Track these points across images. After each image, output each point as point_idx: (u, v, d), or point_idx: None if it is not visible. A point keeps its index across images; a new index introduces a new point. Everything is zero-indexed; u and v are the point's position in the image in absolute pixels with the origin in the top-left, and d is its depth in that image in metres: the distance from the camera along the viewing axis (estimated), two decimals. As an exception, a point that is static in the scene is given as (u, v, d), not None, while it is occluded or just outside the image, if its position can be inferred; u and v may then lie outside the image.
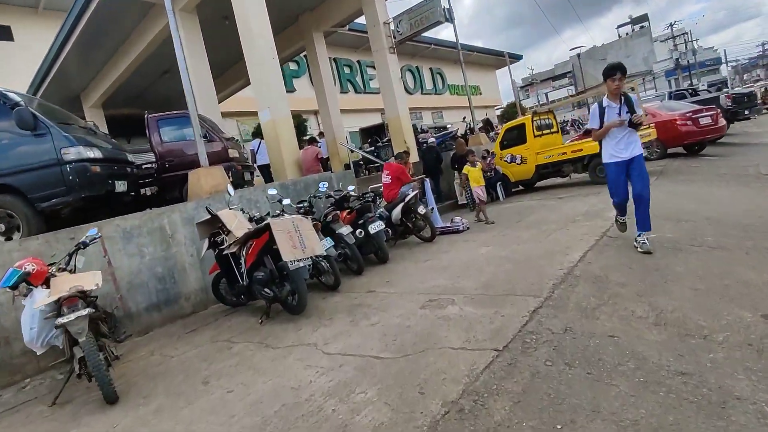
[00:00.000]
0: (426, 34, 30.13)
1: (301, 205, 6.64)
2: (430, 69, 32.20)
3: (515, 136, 11.24)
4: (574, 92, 51.15)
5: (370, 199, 7.89)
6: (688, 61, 41.05)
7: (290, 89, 23.34)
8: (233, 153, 8.19)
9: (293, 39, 14.26)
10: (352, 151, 13.34)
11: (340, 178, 8.28)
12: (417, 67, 30.96)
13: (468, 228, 7.79)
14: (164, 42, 11.41)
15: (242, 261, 4.77)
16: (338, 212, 5.99)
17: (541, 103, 42.62)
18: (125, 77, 13.67)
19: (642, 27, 60.33)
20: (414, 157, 11.92)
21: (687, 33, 42.33)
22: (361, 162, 13.66)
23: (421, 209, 7.11)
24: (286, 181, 7.63)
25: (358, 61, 26.99)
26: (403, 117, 12.00)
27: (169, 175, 7.75)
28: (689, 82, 39.43)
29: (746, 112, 14.15)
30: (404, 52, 29.30)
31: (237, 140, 9.24)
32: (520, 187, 11.52)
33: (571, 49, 41.23)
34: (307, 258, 4.44)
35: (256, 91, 9.16)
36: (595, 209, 7.12)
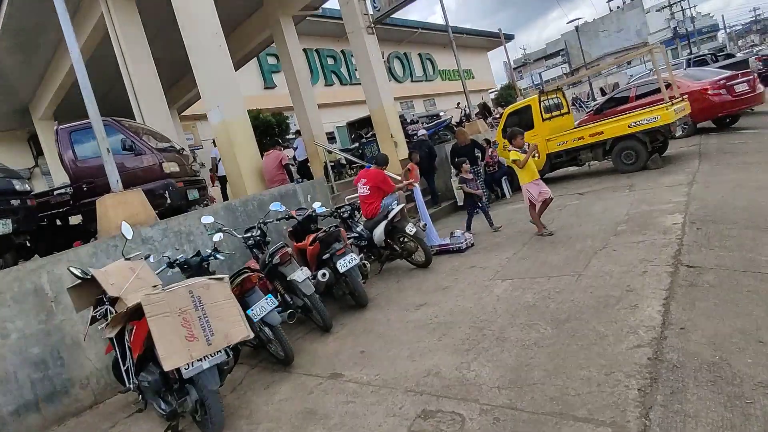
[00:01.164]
0: (413, 17, 28.03)
1: (250, 234, 4.84)
2: (419, 55, 30.06)
3: (520, 121, 9.35)
4: (568, 70, 48.93)
5: (346, 214, 6.08)
6: (687, 30, 38.74)
7: (270, 85, 21.41)
8: (171, 167, 6.35)
9: (260, 27, 12.32)
10: (330, 152, 11.48)
11: (307, 190, 6.45)
12: (405, 54, 28.84)
13: (472, 244, 5.97)
14: (106, 38, 9.50)
15: (128, 350, 2.97)
16: (288, 249, 4.15)
17: (536, 83, 40.47)
18: (70, 82, 11.76)
19: (633, -1, 57.67)
20: (403, 152, 10.06)
21: (684, 0, 39.92)
22: (344, 162, 11.79)
23: (410, 228, 5.28)
24: (233, 201, 5.78)
25: (342, 51, 24.91)
26: (388, 107, 10.11)
27: (88, 202, 5.94)
28: (689, 50, 37.14)
29: (779, 76, 12.23)
30: (391, 39, 27.21)
31: (183, 149, 7.41)
32: None
33: (568, 22, 38.79)
34: (219, 352, 2.63)
35: (203, 88, 7.28)
36: (638, 212, 5.29)
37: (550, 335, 2.96)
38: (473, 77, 33.54)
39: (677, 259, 3.65)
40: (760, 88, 9.95)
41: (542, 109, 8.91)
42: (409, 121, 12.24)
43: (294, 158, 12.14)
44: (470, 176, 6.92)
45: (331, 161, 11.57)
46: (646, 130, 7.62)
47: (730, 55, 15.97)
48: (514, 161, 5.71)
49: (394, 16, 26.34)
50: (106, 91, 13.80)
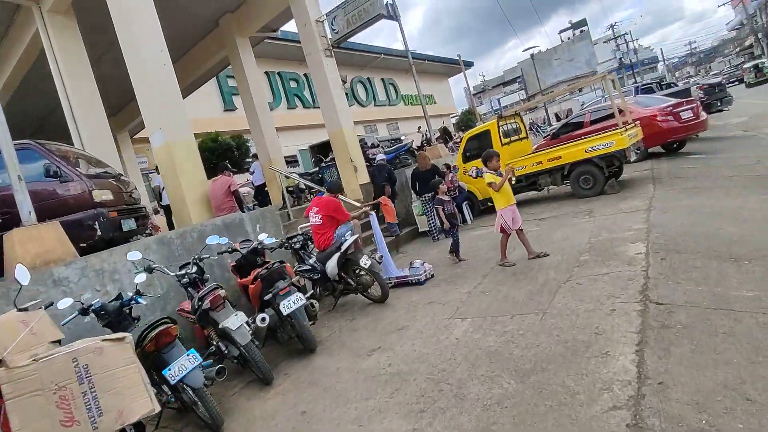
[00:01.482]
0: (377, 43, 28.26)
1: (184, 272, 4.27)
2: (383, 80, 30.26)
3: (479, 146, 9.21)
4: (524, 96, 50.64)
5: (298, 244, 5.61)
6: (630, 60, 40.97)
7: (230, 107, 20.81)
8: (103, 194, 5.70)
9: (216, 47, 11.83)
10: (287, 177, 10.98)
11: (256, 219, 5.93)
12: (368, 79, 28.95)
13: (432, 275, 5.59)
14: (43, 56, 8.76)
15: None
16: (221, 292, 3.61)
17: (494, 108, 41.52)
18: (5, 101, 10.82)
19: (582, 31, 60.82)
20: (363, 177, 9.70)
21: (627, 33, 42.29)
22: (303, 187, 11.29)
23: (365, 260, 4.84)
24: (168, 233, 5.19)
25: (305, 75, 24.64)
26: (347, 131, 9.76)
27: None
28: (633, 79, 39.20)
29: (719, 104, 12.76)
30: (354, 63, 27.26)
31: (121, 175, 6.74)
32: (489, 204, 9.45)
33: (524, 50, 40.21)
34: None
35: (144, 108, 6.72)
36: (599, 240, 5.08)
37: (515, 391, 2.57)
38: (435, 102, 34.03)
39: (645, 294, 3.37)
40: (703, 115, 10.27)
41: (501, 134, 8.80)
42: (369, 144, 11.95)
43: (252, 183, 11.56)
44: (447, 198, 6.46)
45: (289, 186, 11.08)
46: (602, 155, 7.58)
47: (670, 85, 16.74)
48: (489, 184, 5.29)
49: (356, 41, 26.37)
50: (46, 114, 12.89)
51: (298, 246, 5.71)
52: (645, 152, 10.25)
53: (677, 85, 14.77)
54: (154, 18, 6.59)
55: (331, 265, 5.01)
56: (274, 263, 4.24)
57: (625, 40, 43.33)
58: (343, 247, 4.86)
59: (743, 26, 48.30)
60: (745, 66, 36.01)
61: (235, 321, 3.41)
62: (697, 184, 7.06)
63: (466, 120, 29.50)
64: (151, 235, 7.12)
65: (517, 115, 9.62)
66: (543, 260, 4.94)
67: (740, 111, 16.12)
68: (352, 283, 5.07)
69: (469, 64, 36.19)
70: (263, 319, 3.67)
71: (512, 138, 9.15)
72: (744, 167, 7.71)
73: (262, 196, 11.47)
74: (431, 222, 7.95)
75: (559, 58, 52.02)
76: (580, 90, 52.37)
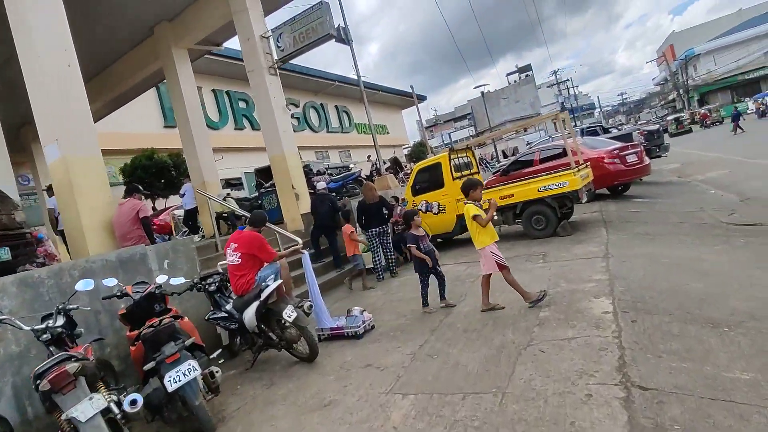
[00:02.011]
0: (333, 71, 27.87)
1: (45, 325, 3.19)
2: (336, 107, 29.81)
3: (430, 179, 8.66)
4: (474, 132, 52.11)
5: (213, 286, 4.64)
6: (572, 105, 43.39)
7: (171, 124, 19.27)
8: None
9: (149, 57, 10.70)
10: (224, 198, 9.89)
11: (164, 254, 4.88)
12: (322, 105, 28.38)
13: (372, 327, 4.77)
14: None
15: None
16: (69, 367, 2.59)
17: (446, 143, 42.20)
18: None
19: (527, 75, 64.23)
20: (305, 206, 8.83)
21: (569, 80, 44.97)
22: (239, 214, 10.21)
23: (289, 312, 3.94)
24: (36, 272, 4.03)
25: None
26: (289, 155, 8.92)
27: None
28: (573, 123, 41.34)
29: (657, 150, 13.17)
30: (308, 89, 26.67)
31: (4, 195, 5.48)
32: (438, 240, 8.81)
33: (475, 87, 41.55)
34: None
35: (38, 116, 5.56)
36: (559, 292, 4.49)
37: None
38: (387, 132, 33.96)
39: (624, 373, 2.72)
40: (646, 160, 10.38)
41: (452, 168, 8.29)
42: (315, 171, 11.14)
43: (183, 206, 10.33)
44: (421, 233, 5.11)
45: (223, 212, 9.97)
46: (555, 195, 7.21)
47: (609, 130, 17.36)
48: (475, 217, 4.43)
49: (311, 66, 25.57)
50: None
51: (213, 288, 4.73)
52: (593, 194, 10.13)
53: (619, 130, 15.30)
54: (57, 7, 5.54)
55: (249, 316, 4.06)
56: (161, 320, 3.25)
57: (567, 86, 46.03)
58: (263, 295, 3.95)
59: (667, 82, 52.88)
60: (669, 118, 39.10)
61: (86, 409, 2.39)
62: (648, 230, 6.79)
63: (418, 152, 29.49)
64: (44, 265, 5.85)
65: (469, 150, 9.20)
66: (498, 314, 4.26)
67: (671, 158, 16.91)
68: (274, 337, 4.14)
69: (422, 98, 36.67)
70: (133, 403, 2.65)
71: (463, 172, 8.67)
72: (689, 214, 7.61)
73: (192, 221, 10.27)
74: (376, 259, 7.17)
75: (507, 98, 54.34)
76: (525, 130, 54.74)
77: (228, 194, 9.95)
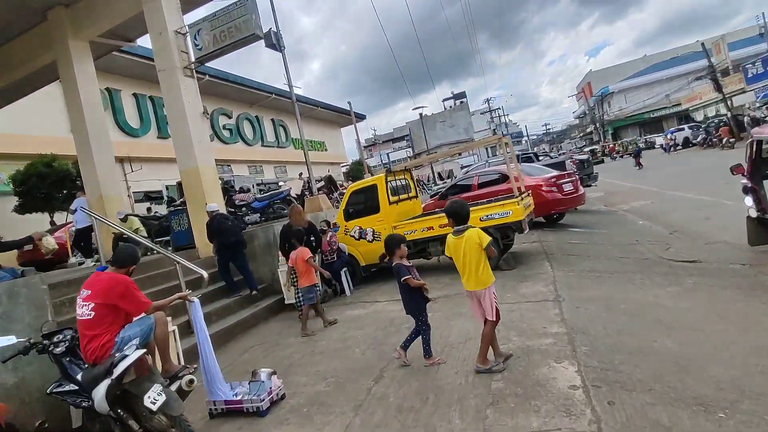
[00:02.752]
0: (266, 81, 26.40)
1: None
2: (273, 120, 28.28)
3: (364, 202, 7.73)
4: (411, 153, 52.48)
5: (61, 347, 3.30)
6: (503, 132, 45.07)
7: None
8: None
9: (40, 47, 8.91)
10: (124, 218, 8.27)
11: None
12: (257, 117, 26.74)
13: (282, 396, 3.65)
14: None
15: None
16: None
17: (384, 162, 41.88)
18: None
19: (461, 102, 66.36)
20: None
21: (500, 108, 46.84)
22: (144, 235, 8.64)
23: (154, 396, 2.73)
24: None
25: (183, 104, 21.63)
26: (205, 169, 7.60)
27: None
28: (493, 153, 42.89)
29: (587, 179, 13.31)
30: (243, 100, 25.04)
31: None
32: (373, 270, 7.84)
33: (414, 108, 41.57)
34: None
35: None
36: (512, 348, 3.67)
37: None
38: (326, 149, 32.93)
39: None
40: (581, 189, 10.23)
41: (389, 191, 7.43)
42: (237, 189, 9.81)
43: (74, 224, 8.55)
44: (409, 263, 4.06)
45: (123, 234, 8.33)
46: (498, 225, 6.56)
47: (539, 157, 17.63)
48: (488, 248, 3.45)
49: (247, 76, 24.01)
50: None
51: (61, 349, 3.36)
52: (530, 221, 9.75)
53: (552, 157, 15.47)
54: None
55: (99, 397, 2.80)
56: None
57: (498, 114, 47.91)
58: (116, 372, 2.72)
59: (585, 116, 56.90)
60: (586, 149, 41.80)
61: None
62: (594, 266, 6.30)
63: (356, 171, 28.70)
64: None
65: (407, 172, 8.41)
66: (441, 382, 3.34)
67: (594, 187, 17.42)
68: (136, 427, 2.89)
69: (361, 117, 36.11)
70: None
71: (401, 196, 7.84)
72: (628, 248, 7.29)
73: (86, 242, 8.52)
74: (299, 296, 6.03)
75: (444, 121, 55.50)
76: (460, 154, 56.19)
77: (127, 215, 8.34)
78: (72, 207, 8.41)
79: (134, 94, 19.49)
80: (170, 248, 8.25)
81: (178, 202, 8.93)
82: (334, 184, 12.20)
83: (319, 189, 11.01)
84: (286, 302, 6.72)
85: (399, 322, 4.99)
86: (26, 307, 3.64)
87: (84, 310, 3.02)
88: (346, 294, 7.00)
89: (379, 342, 4.50)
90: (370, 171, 24.85)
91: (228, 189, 9.09)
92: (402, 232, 7.02)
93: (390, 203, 7.34)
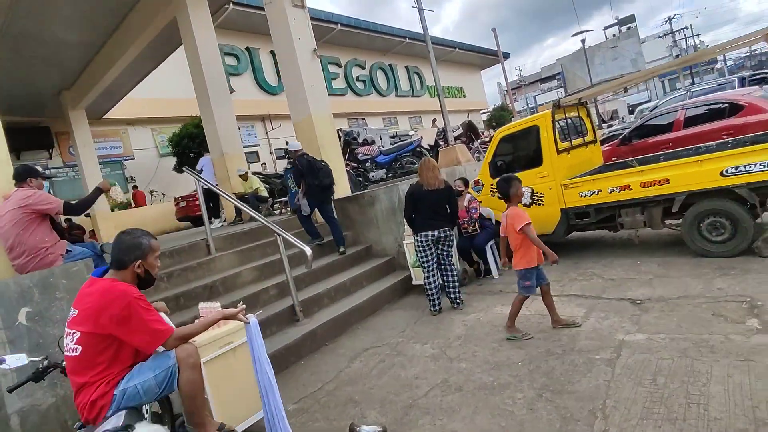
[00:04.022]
0: (399, 25, 24.57)
1: None
2: (406, 68, 26.56)
3: (520, 151, 5.67)
4: (564, 95, 45.86)
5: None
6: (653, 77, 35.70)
7: (226, 90, 17.55)
8: None
9: (162, 4, 8.54)
10: (246, 178, 7.65)
11: (19, 295, 2.61)
12: (390, 65, 25.33)
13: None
14: None
15: None
16: None
17: (530, 107, 37.16)
18: None
19: (629, 28, 55.06)
20: (341, 188, 6.36)
21: (688, 27, 36.95)
22: (266, 195, 8.00)
23: None
24: None
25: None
26: (319, 119, 6.37)
27: None
28: (690, 81, 34.08)
29: None
30: (375, 48, 23.80)
31: None
32: None
33: (573, 35, 34.94)
34: None
35: None
36: None
37: None
38: (464, 95, 30.18)
39: None
40: None
41: (557, 134, 5.20)
42: (361, 141, 8.50)
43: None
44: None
45: (245, 192, 7.80)
46: (754, 183, 3.92)
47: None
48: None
49: (379, 22, 22.51)
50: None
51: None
52: None
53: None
54: None
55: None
56: None
57: (685, 35, 38.02)
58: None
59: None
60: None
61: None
62: None
63: (499, 117, 25.58)
64: None
65: (582, 106, 5.96)
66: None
67: None
68: None
69: (506, 55, 32.01)
70: None
71: (573, 141, 5.53)
72: None
73: (213, 203, 8.27)
74: (430, 280, 4.44)
75: (616, 46, 46.85)
76: (626, 90, 47.23)
77: (247, 171, 7.72)
78: (197, 167, 8.15)
79: (271, 52, 19.66)
80: (289, 210, 7.44)
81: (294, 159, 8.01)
82: (474, 131, 10.10)
83: (456, 138, 9.09)
84: (414, 282, 5.25)
85: (579, 336, 3.06)
86: (66, 304, 2.76)
87: (69, 341, 1.87)
88: (493, 276, 5.21)
89: (558, 382, 2.68)
90: (516, 117, 21.79)
91: (350, 142, 7.86)
92: (577, 194, 4.83)
93: (558, 152, 5.13)
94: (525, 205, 5.34)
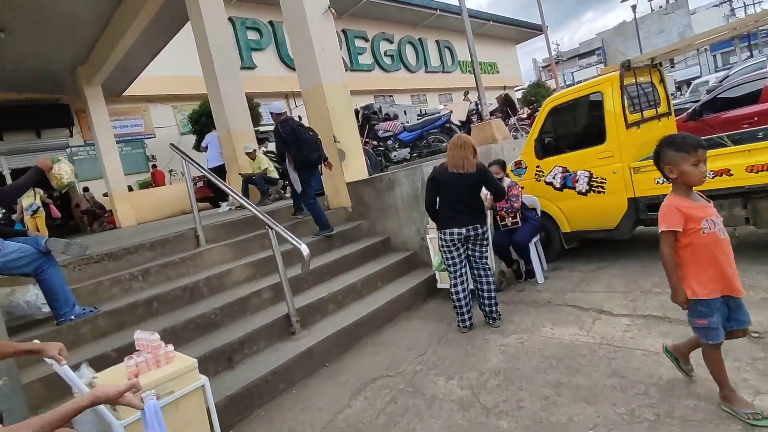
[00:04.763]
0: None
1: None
2: (437, 42, 24.95)
3: (573, 125, 4.54)
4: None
5: None
6: (748, 31, 32.34)
7: (248, 65, 16.78)
8: None
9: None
10: (252, 153, 6.78)
11: None
12: (420, 40, 23.80)
13: None
14: None
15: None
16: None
17: (567, 83, 34.71)
18: None
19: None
20: (358, 170, 5.43)
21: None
22: (276, 176, 7.12)
23: None
24: None
25: (343, 30, 20.10)
26: (331, 89, 5.36)
27: None
28: (749, 53, 30.86)
29: None
30: (404, 21, 22.36)
31: None
32: (573, 244, 4.67)
33: (623, 0, 31.65)
34: None
35: None
36: None
37: None
38: (497, 71, 28.32)
39: None
40: None
41: (626, 103, 4.03)
42: (383, 115, 7.43)
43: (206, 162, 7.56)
44: None
45: (253, 173, 6.97)
46: None
47: None
48: None
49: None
50: None
51: None
52: None
53: None
54: None
55: None
56: None
57: (744, 2, 34.30)
58: None
59: None
60: None
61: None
62: None
63: (534, 93, 23.75)
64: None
65: (655, 69, 4.70)
66: None
67: None
68: None
69: (540, 29, 29.78)
70: None
71: (645, 113, 4.33)
72: None
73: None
74: (458, 287, 3.45)
75: (670, 12, 43.19)
76: (672, 65, 43.65)
77: (255, 149, 6.84)
78: (203, 144, 7.35)
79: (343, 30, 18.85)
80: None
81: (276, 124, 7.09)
82: (512, 105, 8.79)
83: (491, 113, 7.91)
84: (439, 285, 4.28)
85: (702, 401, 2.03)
86: None
87: None
88: (537, 280, 4.17)
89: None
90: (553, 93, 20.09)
91: (369, 117, 6.84)
92: (651, 180, 3.71)
93: (627, 125, 3.97)
94: (581, 193, 4.23)
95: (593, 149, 4.13)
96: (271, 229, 3.48)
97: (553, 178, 4.42)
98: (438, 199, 3.46)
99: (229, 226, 4.76)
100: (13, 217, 8.30)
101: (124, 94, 13.44)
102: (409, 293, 4.27)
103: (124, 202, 11.47)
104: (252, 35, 17.08)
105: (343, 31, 20.07)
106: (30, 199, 8.02)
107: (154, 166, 14.33)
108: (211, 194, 10.59)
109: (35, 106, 12.38)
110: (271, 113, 5.00)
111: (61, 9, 7.69)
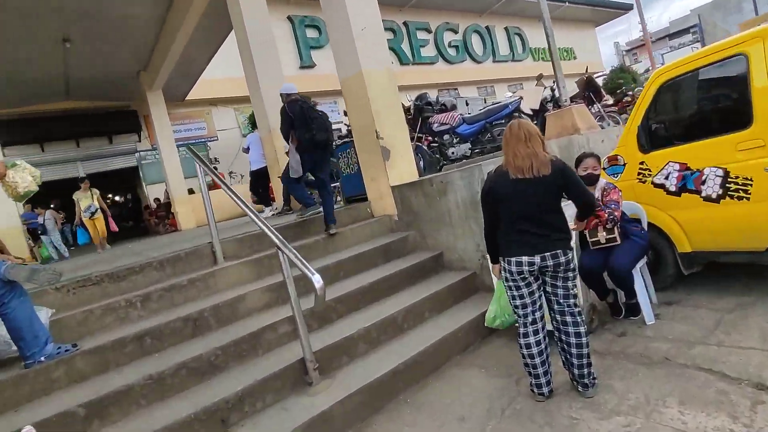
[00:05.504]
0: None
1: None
2: (506, 29, 23.19)
3: (698, 105, 3.29)
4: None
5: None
6: None
7: (308, 64, 16.52)
8: None
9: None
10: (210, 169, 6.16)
11: None
12: (487, 28, 22.24)
13: None
14: None
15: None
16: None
17: (657, 65, 30.93)
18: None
19: (797, -39, 43.39)
20: (406, 172, 4.57)
21: None
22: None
23: None
24: None
25: (405, 23, 19.23)
26: (371, 76, 4.53)
27: None
28: None
29: None
30: (470, 9, 21.02)
31: None
32: (695, 269, 3.39)
33: None
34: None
35: None
36: None
37: None
38: (574, 57, 25.86)
39: None
40: None
41: (785, 69, 2.75)
42: (439, 106, 6.41)
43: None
44: None
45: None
46: None
47: None
48: None
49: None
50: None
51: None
52: None
53: None
54: None
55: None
56: None
57: None
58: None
59: None
60: None
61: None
62: None
63: (616, 79, 21.21)
64: None
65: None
66: None
67: None
68: None
69: (628, 6, 26.75)
70: None
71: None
72: None
73: (262, 188, 7.00)
74: (531, 341, 2.44)
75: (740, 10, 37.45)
76: None
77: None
78: (244, 145, 6.88)
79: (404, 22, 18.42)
80: (341, 199, 5.80)
81: (345, 132, 6.33)
82: (595, 89, 7.33)
83: (571, 98, 6.61)
84: (489, 324, 3.24)
85: None
86: None
87: None
88: (644, 320, 3.01)
89: None
90: (635, 82, 17.83)
91: (422, 109, 5.91)
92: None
93: (790, 100, 2.70)
94: (711, 199, 3.00)
95: (730, 137, 2.89)
96: (282, 252, 2.72)
97: (666, 178, 3.22)
98: (497, 217, 2.49)
99: (253, 239, 4.10)
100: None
101: (187, 98, 13.69)
102: (464, 329, 3.32)
103: (185, 205, 11.58)
104: (311, 33, 16.81)
105: (405, 23, 19.21)
106: (88, 201, 8.11)
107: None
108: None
109: (107, 113, 12.96)
110: (281, 94, 4.45)
111: (117, 11, 7.73)
